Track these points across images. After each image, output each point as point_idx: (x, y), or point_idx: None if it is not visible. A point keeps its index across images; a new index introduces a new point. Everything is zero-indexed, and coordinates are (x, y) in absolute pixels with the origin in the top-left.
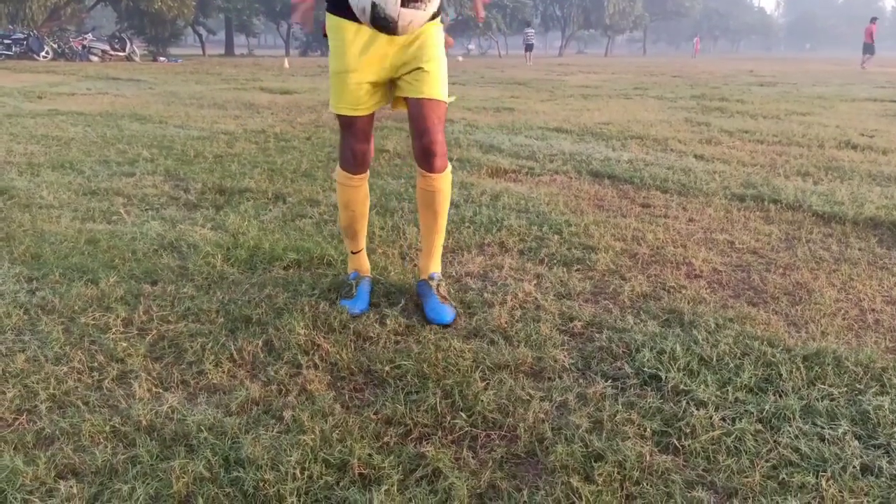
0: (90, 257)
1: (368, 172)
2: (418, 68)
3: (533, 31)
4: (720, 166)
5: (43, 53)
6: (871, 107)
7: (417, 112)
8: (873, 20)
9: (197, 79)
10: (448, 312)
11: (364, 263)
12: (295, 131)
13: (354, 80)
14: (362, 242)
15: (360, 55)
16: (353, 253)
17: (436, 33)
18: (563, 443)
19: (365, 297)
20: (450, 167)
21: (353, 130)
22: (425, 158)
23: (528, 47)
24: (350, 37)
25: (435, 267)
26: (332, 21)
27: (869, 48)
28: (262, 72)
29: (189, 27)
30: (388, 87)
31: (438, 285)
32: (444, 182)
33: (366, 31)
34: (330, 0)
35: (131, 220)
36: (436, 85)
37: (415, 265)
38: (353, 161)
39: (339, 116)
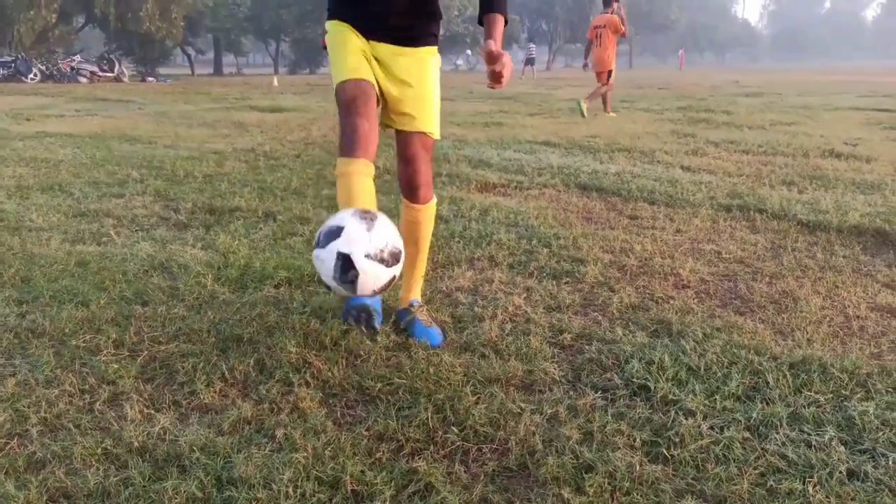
0: (80, 279)
1: (373, 168)
2: (405, 100)
3: (534, 46)
4: (706, 177)
5: (31, 76)
6: (855, 116)
7: (403, 142)
8: None
9: (186, 98)
10: (435, 335)
11: None
12: (285, 149)
13: (354, 49)
14: None
15: (358, 40)
16: None
17: (432, 63)
18: (553, 455)
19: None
20: (434, 199)
21: (353, 105)
22: (408, 189)
23: (531, 61)
24: (350, 34)
25: (414, 295)
26: (333, 27)
27: None
28: (251, 90)
29: (178, 47)
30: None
31: (419, 311)
32: (426, 214)
33: (363, 42)
34: (334, 9)
35: (121, 241)
36: (424, 119)
37: None
38: (353, 139)
39: (340, 91)
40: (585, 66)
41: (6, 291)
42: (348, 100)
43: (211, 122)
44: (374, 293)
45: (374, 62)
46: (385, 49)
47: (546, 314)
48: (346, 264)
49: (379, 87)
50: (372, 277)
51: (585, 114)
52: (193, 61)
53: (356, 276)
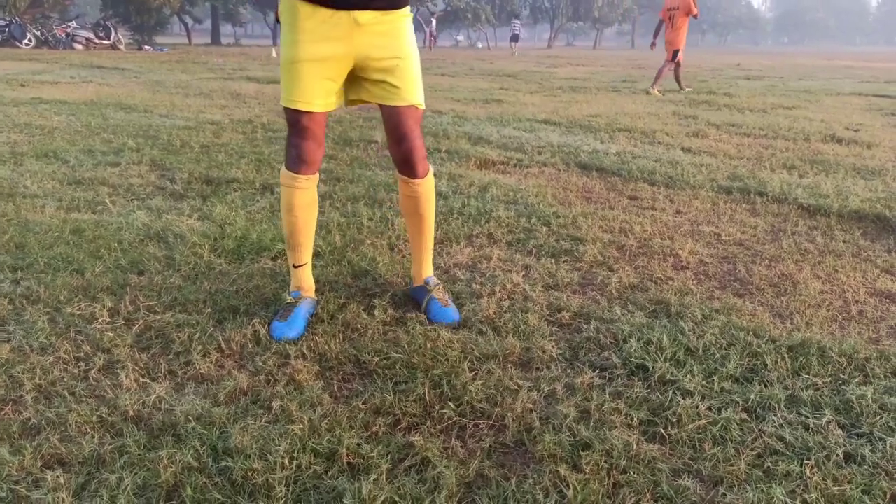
0: (75, 247)
1: (318, 176)
2: (390, 71)
3: (519, 22)
4: (707, 159)
5: (26, 41)
6: (856, 101)
7: (394, 119)
8: None
9: (183, 68)
10: (453, 314)
11: (307, 280)
12: (282, 121)
13: (308, 70)
14: (306, 256)
15: (316, 42)
16: (294, 267)
17: (407, 26)
18: (550, 432)
19: (301, 322)
20: (432, 170)
21: (299, 128)
22: (406, 165)
23: (514, 38)
24: (305, 21)
25: (428, 271)
26: (285, 3)
27: None
28: (249, 61)
29: (175, 16)
30: (348, 82)
31: (437, 289)
32: (427, 186)
33: (323, 14)
34: None
35: (117, 209)
36: (411, 89)
37: (403, 256)
38: (298, 159)
39: (288, 111)
40: (653, 45)
41: (0, 258)
42: (296, 124)
43: (208, 93)
44: None
45: (340, 25)
46: (364, 16)
47: (544, 292)
48: None
49: (350, 55)
50: None
51: (660, 95)
52: (190, 30)
53: None
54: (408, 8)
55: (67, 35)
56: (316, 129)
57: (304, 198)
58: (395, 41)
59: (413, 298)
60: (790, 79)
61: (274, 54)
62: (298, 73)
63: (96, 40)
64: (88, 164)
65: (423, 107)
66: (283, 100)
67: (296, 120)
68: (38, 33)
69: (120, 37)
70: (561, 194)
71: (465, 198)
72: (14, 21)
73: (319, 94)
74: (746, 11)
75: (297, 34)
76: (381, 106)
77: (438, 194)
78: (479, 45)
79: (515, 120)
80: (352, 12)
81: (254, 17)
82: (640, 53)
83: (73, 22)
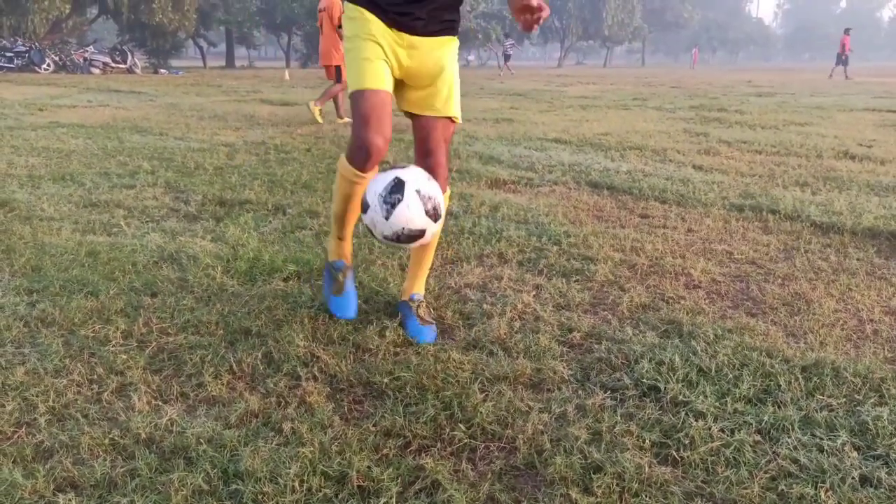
0: (90, 269)
1: (377, 169)
2: (432, 84)
3: (512, 41)
4: (719, 177)
5: (44, 66)
6: (869, 117)
7: (425, 131)
8: (847, 31)
9: (197, 90)
10: (429, 333)
11: (348, 250)
12: (295, 143)
13: (379, 50)
14: (351, 231)
15: (377, 39)
16: (339, 239)
17: (454, 51)
18: (562, 454)
19: (354, 297)
20: (449, 191)
21: (372, 115)
22: None
23: (506, 57)
24: (373, 25)
25: (417, 289)
26: (353, 12)
27: (841, 59)
28: (263, 84)
29: (190, 39)
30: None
31: (418, 307)
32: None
33: (388, 33)
34: None
35: (131, 232)
36: (449, 102)
37: None
38: (364, 156)
39: (360, 98)
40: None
41: (17, 280)
42: (366, 113)
43: (222, 115)
44: (400, 234)
45: (399, 54)
46: (419, 41)
47: (555, 312)
48: (397, 186)
49: (403, 79)
50: (410, 213)
51: None
52: (205, 53)
53: (399, 200)
54: (456, 36)
55: (85, 60)
56: (386, 118)
57: (361, 191)
58: (443, 66)
59: (398, 312)
60: (802, 95)
61: (287, 77)
62: (367, 54)
63: (113, 64)
64: (104, 186)
65: (459, 121)
66: (353, 84)
67: (367, 108)
68: (57, 58)
69: (136, 61)
70: (572, 213)
71: (475, 217)
72: (33, 47)
73: (388, 76)
74: (757, 28)
75: (368, 25)
76: (414, 116)
77: (449, 214)
78: (470, 59)
79: (526, 139)
80: (401, 33)
81: (267, 41)
82: (650, 71)
83: (91, 47)
